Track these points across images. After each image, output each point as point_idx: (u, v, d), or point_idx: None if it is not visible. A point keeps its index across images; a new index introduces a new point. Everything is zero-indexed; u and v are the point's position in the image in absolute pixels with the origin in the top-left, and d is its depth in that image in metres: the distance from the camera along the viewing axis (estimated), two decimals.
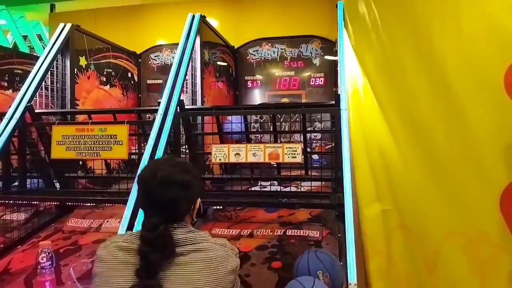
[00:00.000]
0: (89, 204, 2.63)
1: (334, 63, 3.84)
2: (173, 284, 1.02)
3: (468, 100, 1.93)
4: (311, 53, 4.09)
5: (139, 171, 1.22)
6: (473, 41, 1.92)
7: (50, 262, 1.56)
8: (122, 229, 1.93)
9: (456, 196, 1.94)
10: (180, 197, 1.12)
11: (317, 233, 2.13)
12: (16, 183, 2.69)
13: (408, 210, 2.02)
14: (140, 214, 1.97)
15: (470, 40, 1.92)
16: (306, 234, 2.12)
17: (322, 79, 4.06)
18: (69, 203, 2.59)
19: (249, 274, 1.84)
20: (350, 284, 1.58)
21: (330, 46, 4.00)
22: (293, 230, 2.17)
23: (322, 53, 4.06)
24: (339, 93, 2.18)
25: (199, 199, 1.24)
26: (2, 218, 2.55)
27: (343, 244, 1.83)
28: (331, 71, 3.99)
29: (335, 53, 3.68)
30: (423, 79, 2.01)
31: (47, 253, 1.54)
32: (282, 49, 4.16)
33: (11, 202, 2.54)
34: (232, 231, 2.24)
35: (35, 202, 2.64)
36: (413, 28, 2.06)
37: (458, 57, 1.95)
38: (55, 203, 2.67)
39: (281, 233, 2.16)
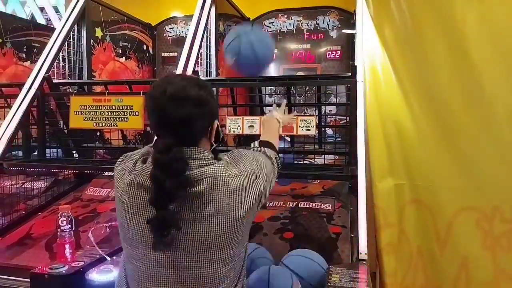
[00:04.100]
0: (107, 173, 2.69)
1: (352, 36, 3.75)
2: (192, 226, 0.96)
3: (487, 72, 1.87)
4: (328, 25, 3.99)
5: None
6: (495, 11, 1.85)
7: (69, 225, 1.61)
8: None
9: (471, 170, 1.92)
10: (194, 114, 1.00)
11: (329, 205, 2.14)
12: (36, 153, 2.76)
13: (421, 184, 2.01)
14: None
15: (492, 10, 1.86)
16: (318, 207, 2.14)
17: (339, 52, 3.98)
18: (88, 171, 2.66)
19: (261, 244, 1.88)
20: (360, 253, 1.60)
21: (347, 17, 3.89)
22: (305, 203, 2.19)
23: (339, 25, 3.96)
24: (355, 65, 2.14)
25: (217, 121, 1.11)
26: (23, 186, 2.64)
27: (355, 216, 1.84)
28: (348, 44, 3.90)
29: (353, 25, 3.59)
30: (442, 50, 1.96)
31: (66, 217, 1.60)
32: (298, 21, 4.07)
33: (32, 170, 2.61)
34: None
35: (54, 170, 2.72)
36: None
37: (479, 27, 1.89)
38: (74, 171, 2.74)
39: (294, 205, 2.18)
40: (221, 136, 1.15)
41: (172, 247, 0.97)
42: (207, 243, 0.97)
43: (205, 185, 0.98)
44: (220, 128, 1.13)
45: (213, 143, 1.12)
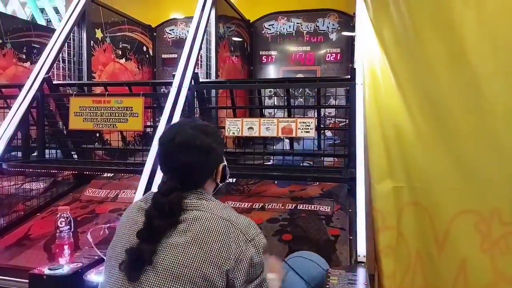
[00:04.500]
0: (106, 174, 2.70)
1: (351, 39, 3.77)
2: (166, 251, 0.97)
3: (486, 74, 1.88)
4: (328, 27, 4.01)
5: (160, 133, 1.16)
6: (494, 13, 1.86)
7: (68, 226, 1.61)
8: (137, 199, 1.98)
9: (470, 173, 1.92)
10: (198, 161, 1.07)
11: (328, 208, 2.14)
12: (35, 154, 2.76)
13: (420, 187, 2.01)
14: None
15: (491, 12, 1.87)
16: (317, 209, 2.14)
17: (339, 54, 4.00)
18: (87, 172, 2.66)
19: None
20: (359, 256, 1.60)
21: (347, 20, 3.91)
22: (304, 205, 2.19)
23: (339, 28, 3.98)
24: (355, 67, 2.15)
25: (223, 163, 1.16)
26: (22, 186, 2.64)
27: (353, 219, 1.84)
28: (348, 47, 3.92)
29: (352, 28, 3.61)
30: (441, 52, 1.96)
31: (65, 218, 1.60)
32: (298, 23, 4.09)
33: (31, 171, 2.61)
34: (244, 204, 2.27)
35: (53, 171, 2.72)
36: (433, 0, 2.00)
37: (478, 29, 1.89)
38: (73, 172, 2.74)
39: (292, 207, 2.18)
40: (227, 176, 1.20)
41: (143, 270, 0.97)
42: (175, 272, 0.95)
43: (192, 214, 1.01)
44: (226, 169, 1.18)
45: (219, 183, 1.17)
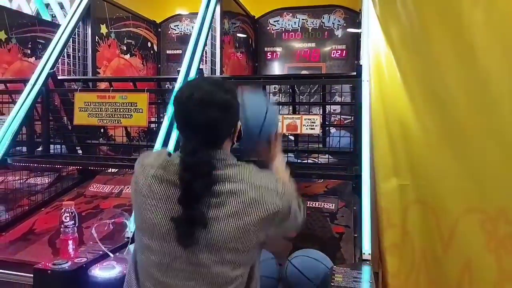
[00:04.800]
0: (110, 170, 2.70)
1: (357, 35, 3.74)
2: (209, 223, 0.98)
3: (494, 73, 1.86)
4: (333, 24, 3.99)
5: (175, 92, 1.10)
6: (503, 12, 1.84)
7: (73, 221, 1.62)
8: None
9: (476, 171, 1.90)
10: (219, 118, 1.02)
11: (332, 205, 2.13)
12: (40, 149, 2.77)
13: (426, 185, 1.99)
14: None
15: (500, 11, 1.84)
16: (322, 206, 2.13)
17: (344, 51, 3.97)
18: (91, 168, 2.66)
19: (264, 243, 1.87)
20: (364, 254, 1.59)
21: (353, 16, 3.88)
22: (308, 202, 2.18)
23: (344, 24, 3.96)
24: (361, 64, 2.13)
25: (240, 122, 1.14)
26: (27, 181, 2.65)
27: (358, 216, 1.83)
28: (353, 43, 3.90)
29: (358, 24, 3.58)
30: (449, 50, 1.94)
31: (70, 213, 1.60)
32: (303, 19, 4.07)
33: (36, 166, 2.62)
34: None
35: (58, 166, 2.72)
36: None
37: (486, 28, 1.87)
38: (78, 167, 2.74)
39: None
40: (242, 136, 1.18)
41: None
42: (219, 243, 0.99)
43: (225, 187, 1.01)
44: (241, 128, 1.16)
45: (235, 142, 1.15)
